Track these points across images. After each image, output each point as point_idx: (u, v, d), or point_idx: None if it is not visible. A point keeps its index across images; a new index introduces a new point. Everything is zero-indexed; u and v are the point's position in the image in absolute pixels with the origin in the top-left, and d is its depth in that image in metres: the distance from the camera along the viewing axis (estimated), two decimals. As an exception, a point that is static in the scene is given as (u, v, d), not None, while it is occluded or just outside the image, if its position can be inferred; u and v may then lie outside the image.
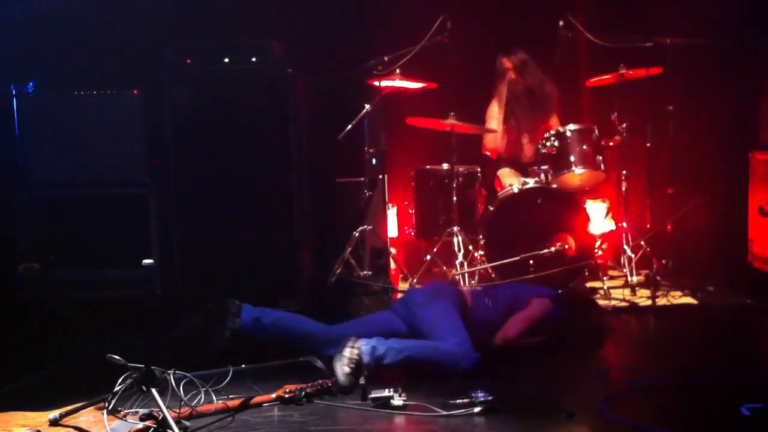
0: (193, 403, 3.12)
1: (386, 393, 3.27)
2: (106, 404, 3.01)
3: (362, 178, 5.73)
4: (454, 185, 5.47)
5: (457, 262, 5.34)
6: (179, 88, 5.01)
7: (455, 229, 5.43)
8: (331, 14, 6.03)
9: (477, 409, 3.15)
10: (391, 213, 6.15)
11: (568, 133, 5.35)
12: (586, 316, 4.41)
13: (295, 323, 3.98)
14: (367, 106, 5.53)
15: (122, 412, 3.05)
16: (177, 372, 3.07)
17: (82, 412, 3.06)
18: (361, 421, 3.14)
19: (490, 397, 3.19)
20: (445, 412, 3.15)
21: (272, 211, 5.01)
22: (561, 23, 5.43)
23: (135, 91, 5.21)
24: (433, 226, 5.77)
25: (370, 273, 5.65)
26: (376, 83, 5.57)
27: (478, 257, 5.34)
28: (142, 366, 2.98)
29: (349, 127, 5.47)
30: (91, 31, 5.61)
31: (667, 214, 5.53)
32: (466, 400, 3.20)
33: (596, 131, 5.39)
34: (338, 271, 5.53)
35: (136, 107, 5.21)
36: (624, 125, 5.47)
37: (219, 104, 5.01)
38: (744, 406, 3.08)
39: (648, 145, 5.47)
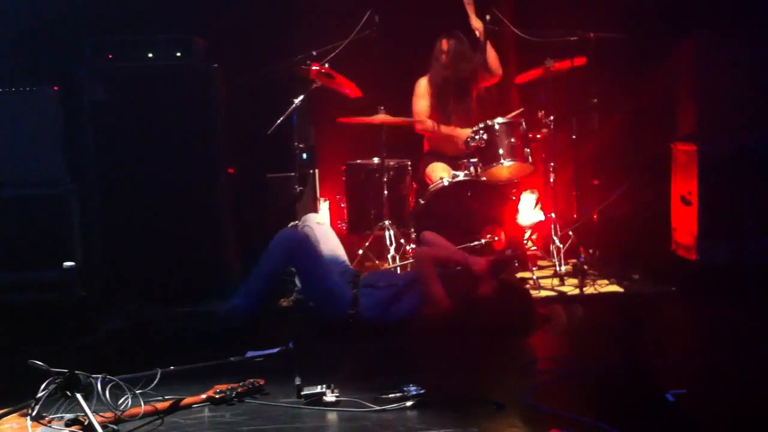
0: (121, 407, 3.06)
1: (319, 389, 3.26)
2: (30, 411, 2.93)
3: (293, 174, 5.69)
4: (385, 179, 5.49)
5: (389, 256, 5.35)
6: (99, 84, 4.89)
7: (387, 222, 5.44)
8: (258, 8, 5.96)
9: (409, 403, 3.16)
10: (324, 207, 6.13)
11: (497, 127, 5.41)
12: (516, 300, 4.48)
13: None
14: (296, 101, 5.48)
15: (47, 418, 2.98)
16: (102, 376, 3.00)
17: (5, 419, 2.96)
18: (293, 419, 3.11)
19: (422, 391, 3.20)
20: (378, 407, 3.15)
21: (198, 209, 4.94)
22: (487, 17, 5.48)
23: (55, 88, 5.06)
24: (364, 220, 5.77)
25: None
26: (306, 78, 5.52)
27: (410, 250, 5.36)
28: (66, 371, 2.91)
29: (278, 122, 5.42)
30: (8, 25, 5.43)
31: (593, 205, 5.63)
32: (398, 395, 3.21)
33: (524, 124, 5.46)
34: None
35: (55, 104, 5.05)
36: (551, 118, 5.56)
37: (141, 100, 4.91)
38: (669, 392, 3.17)
39: (573, 137, 5.56)
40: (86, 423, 2.88)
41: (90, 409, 2.86)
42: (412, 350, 4.10)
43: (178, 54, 4.96)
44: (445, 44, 5.79)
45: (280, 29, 6.08)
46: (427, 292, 4.29)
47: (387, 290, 4.37)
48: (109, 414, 3.00)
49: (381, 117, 5.39)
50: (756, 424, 2.97)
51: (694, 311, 4.83)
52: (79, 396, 2.89)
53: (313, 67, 5.41)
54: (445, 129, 5.88)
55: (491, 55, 5.79)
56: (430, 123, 5.87)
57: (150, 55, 4.96)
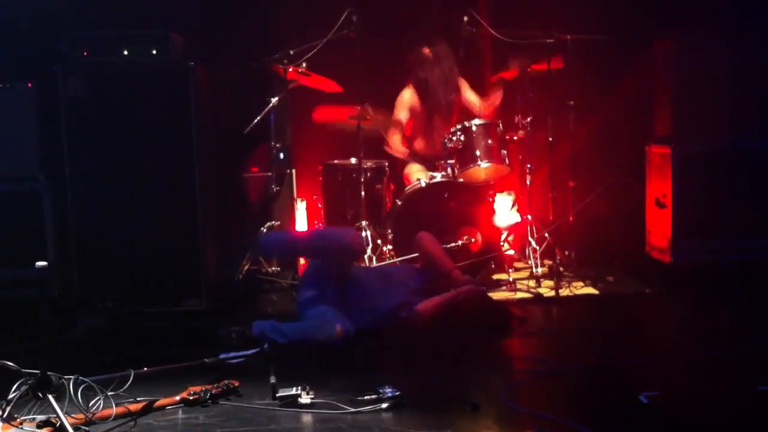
0: (93, 408, 3.03)
1: (294, 391, 3.25)
2: (1, 411, 2.90)
3: (269, 173, 5.67)
4: (362, 180, 5.48)
5: (365, 257, 5.34)
6: (74, 80, 4.80)
7: (363, 223, 5.43)
8: (236, 6, 5.93)
9: (384, 405, 3.17)
10: (301, 207, 6.10)
11: (474, 128, 5.41)
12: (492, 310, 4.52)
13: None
14: (273, 100, 5.46)
15: (18, 420, 2.95)
16: (75, 377, 2.98)
17: (-26, 421, 2.93)
18: (268, 421, 3.11)
19: (397, 393, 3.21)
20: (353, 409, 3.15)
21: (175, 207, 4.88)
22: (465, 19, 5.49)
23: (29, 84, 5.01)
24: (341, 220, 5.75)
25: (278, 269, 5.60)
26: (284, 77, 5.50)
27: (387, 251, 5.35)
28: (38, 372, 2.88)
29: (255, 121, 5.39)
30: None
31: (569, 207, 5.67)
32: (373, 396, 3.21)
33: (500, 126, 5.47)
34: (245, 267, 5.46)
35: (30, 100, 5.01)
36: (528, 120, 5.58)
37: (117, 97, 4.84)
38: (642, 393, 3.19)
39: (550, 139, 5.58)
40: (58, 424, 2.86)
41: (62, 410, 2.83)
42: (388, 351, 4.09)
43: (155, 51, 4.89)
44: (427, 52, 5.77)
45: (259, 28, 6.04)
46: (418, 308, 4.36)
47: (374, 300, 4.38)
48: (80, 415, 2.97)
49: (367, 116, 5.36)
50: (730, 423, 3.00)
51: (669, 312, 4.87)
52: (50, 397, 2.87)
53: (290, 69, 5.40)
54: (408, 158, 5.87)
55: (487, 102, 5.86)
56: (399, 149, 5.86)
57: (126, 51, 4.89)
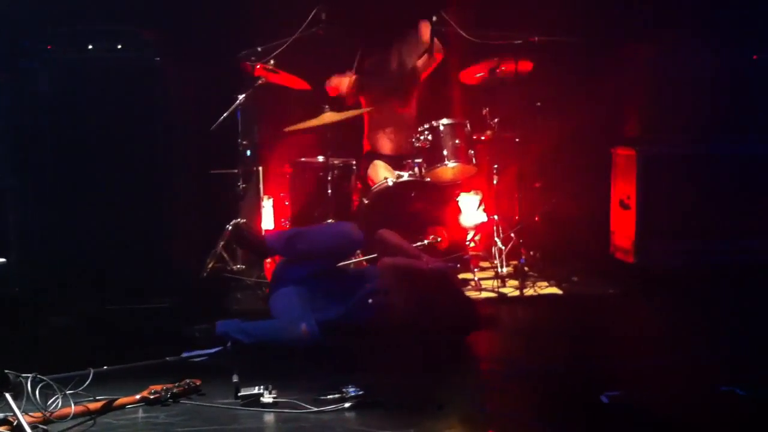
0: (51, 407, 2.99)
1: (256, 390, 3.23)
2: (-44, 411, 2.86)
3: (236, 170, 5.63)
4: (329, 178, 5.46)
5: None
6: (40, 75, 4.73)
7: (330, 221, 5.41)
8: (206, 3, 5.87)
9: (347, 404, 3.16)
10: (267, 205, 6.07)
11: (441, 128, 5.42)
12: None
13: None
14: (240, 97, 5.43)
15: (-26, 418, 2.90)
16: (33, 375, 2.94)
17: (-71, 420, 2.88)
18: (230, 420, 3.09)
19: (360, 392, 3.20)
20: (316, 408, 3.14)
21: (141, 204, 4.83)
22: (434, 19, 5.49)
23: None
24: (308, 218, 5.73)
25: (243, 267, 5.57)
26: (251, 74, 5.47)
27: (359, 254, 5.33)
28: (-5, 370, 2.84)
29: (222, 117, 5.36)
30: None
31: (535, 207, 5.69)
32: (336, 396, 3.20)
33: (468, 126, 5.49)
34: (210, 265, 5.42)
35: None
36: (495, 120, 5.60)
37: (82, 92, 4.78)
38: (604, 393, 3.22)
39: (517, 140, 5.60)
40: (15, 423, 2.81)
41: (19, 409, 2.79)
42: (354, 350, 4.07)
43: (121, 46, 4.84)
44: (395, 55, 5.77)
45: (228, 25, 5.98)
46: (390, 304, 4.30)
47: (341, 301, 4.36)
48: (38, 414, 2.93)
49: (327, 116, 5.33)
50: (693, 424, 3.04)
51: (632, 312, 4.92)
52: (8, 396, 2.83)
53: (257, 66, 5.37)
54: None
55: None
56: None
57: (92, 46, 4.83)
